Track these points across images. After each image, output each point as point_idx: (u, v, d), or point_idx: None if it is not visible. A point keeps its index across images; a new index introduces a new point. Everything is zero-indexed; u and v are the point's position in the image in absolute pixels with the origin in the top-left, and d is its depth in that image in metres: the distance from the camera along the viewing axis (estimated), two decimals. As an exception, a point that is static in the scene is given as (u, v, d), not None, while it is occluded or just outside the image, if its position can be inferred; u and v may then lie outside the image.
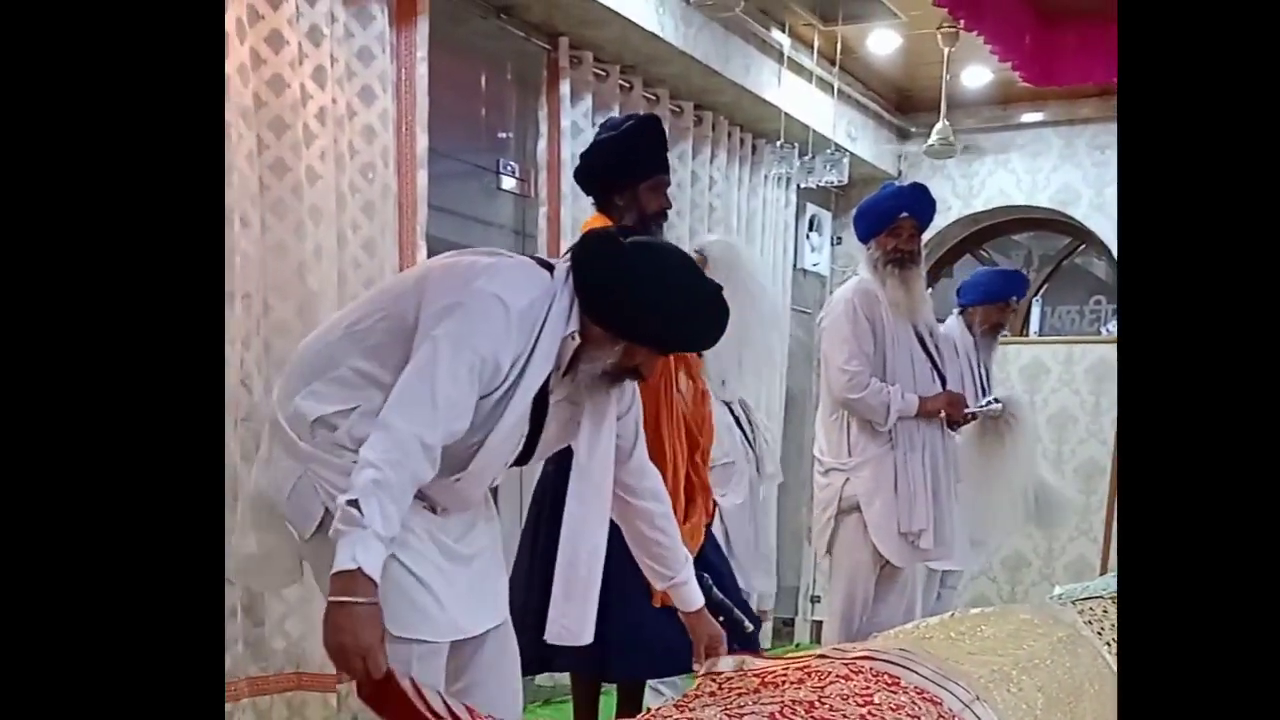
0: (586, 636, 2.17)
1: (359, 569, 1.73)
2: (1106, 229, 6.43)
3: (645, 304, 1.99)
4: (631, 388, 2.21)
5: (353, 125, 3.73)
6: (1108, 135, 6.41)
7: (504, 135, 4.73)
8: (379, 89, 3.78)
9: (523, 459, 2.15)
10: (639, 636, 2.94)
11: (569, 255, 2.08)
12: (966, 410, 4.12)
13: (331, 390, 2.01)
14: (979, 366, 4.58)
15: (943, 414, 3.96)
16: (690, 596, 2.33)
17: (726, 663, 2.24)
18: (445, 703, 1.76)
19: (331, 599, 1.75)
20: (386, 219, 3.81)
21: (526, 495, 3.28)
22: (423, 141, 3.94)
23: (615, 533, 2.48)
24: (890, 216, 3.87)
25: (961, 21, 5.09)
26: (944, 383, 3.97)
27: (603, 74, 4.79)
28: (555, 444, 2.17)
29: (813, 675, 2.06)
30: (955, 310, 4.70)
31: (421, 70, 3.93)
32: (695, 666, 2.30)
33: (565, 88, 4.59)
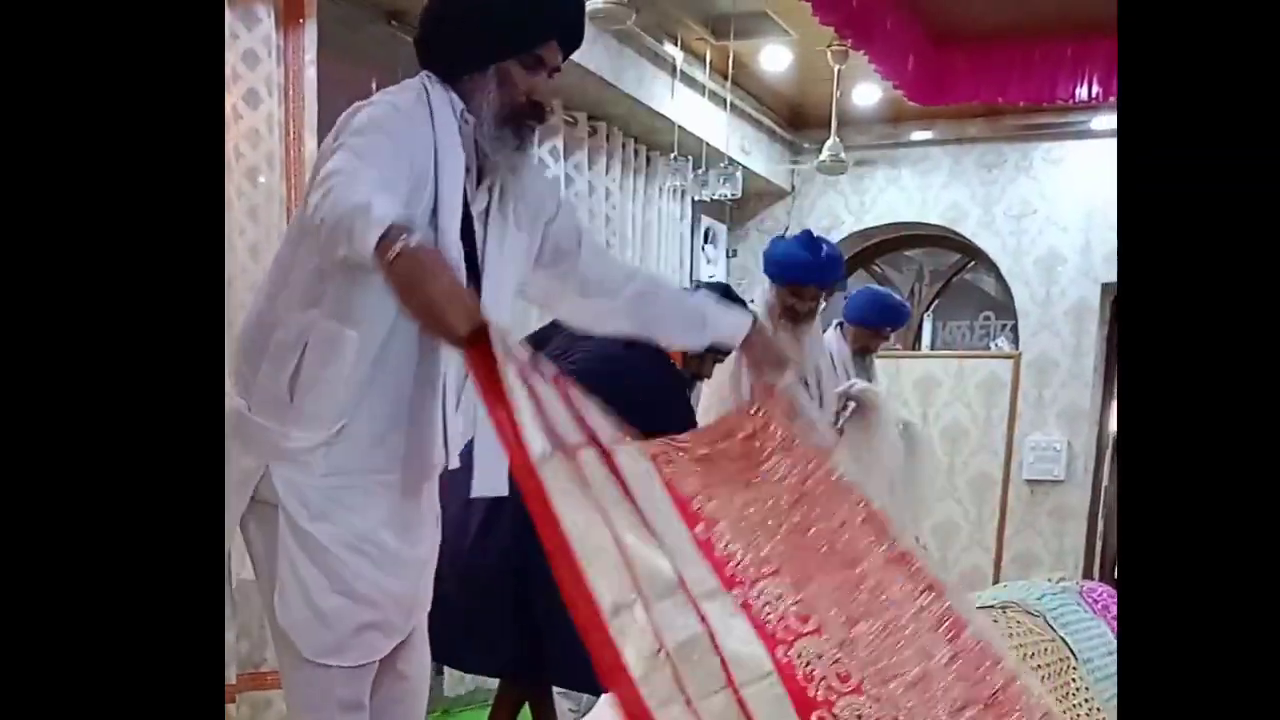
0: (503, 486, 2.03)
1: (392, 224, 1.57)
2: (994, 246, 6.60)
3: (481, 3, 1.94)
4: (557, 196, 2.17)
5: (238, 128, 3.68)
6: (994, 154, 6.59)
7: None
8: (265, 92, 3.74)
9: None
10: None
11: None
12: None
13: (286, 339, 1.92)
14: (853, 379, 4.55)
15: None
16: (734, 327, 2.20)
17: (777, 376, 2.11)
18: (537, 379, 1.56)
19: (388, 259, 1.56)
20: (272, 224, 3.76)
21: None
22: (311, 146, 3.89)
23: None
24: (801, 280, 3.92)
25: (850, 40, 5.20)
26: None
27: (495, 83, 4.78)
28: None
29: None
30: (835, 321, 4.69)
31: (310, 74, 3.89)
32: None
33: (457, 95, 4.57)
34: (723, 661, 1.40)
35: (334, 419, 1.91)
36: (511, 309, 2.11)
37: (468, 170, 1.96)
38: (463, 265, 1.92)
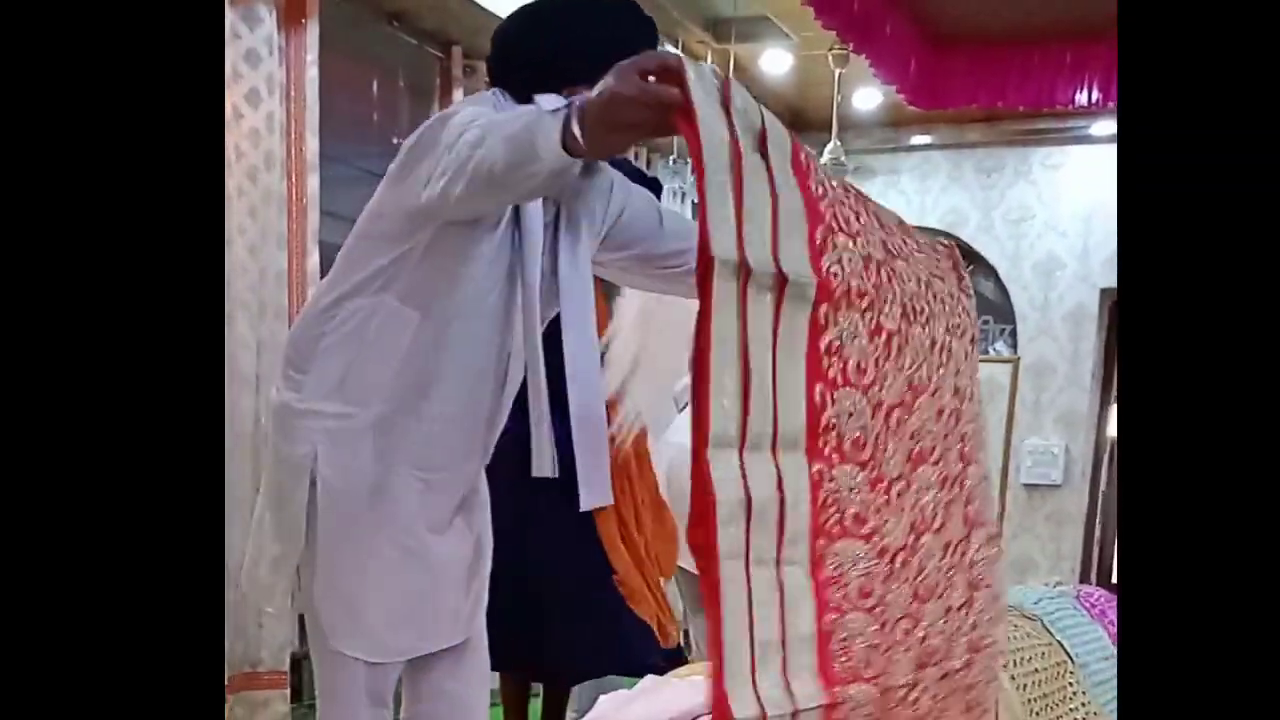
0: (608, 494, 2.04)
1: (570, 102, 1.56)
2: (993, 250, 6.61)
3: (560, 34, 1.95)
4: (624, 192, 2.10)
5: (239, 127, 3.69)
6: (994, 159, 6.60)
7: (397, 141, 4.69)
8: (265, 92, 3.74)
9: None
10: (600, 636, 2.98)
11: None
12: None
13: (352, 318, 1.92)
14: None
15: None
16: None
17: None
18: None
19: (586, 115, 1.53)
20: (269, 222, 3.77)
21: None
22: (313, 145, 3.90)
23: (556, 541, 2.44)
24: None
25: (851, 44, 5.20)
26: None
27: (497, 84, 4.79)
28: (548, 293, 2.00)
29: None
30: None
31: (311, 74, 3.90)
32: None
33: (458, 96, 4.58)
34: (780, 531, 1.33)
35: (384, 397, 1.90)
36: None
37: None
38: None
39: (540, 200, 1.92)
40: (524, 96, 1.94)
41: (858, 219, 1.45)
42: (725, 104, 1.31)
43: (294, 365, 2.00)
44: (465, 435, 2.00)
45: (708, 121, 1.29)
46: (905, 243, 1.60)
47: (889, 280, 1.48)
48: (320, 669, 2.03)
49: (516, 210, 1.91)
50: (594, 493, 2.01)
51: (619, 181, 2.11)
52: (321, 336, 1.95)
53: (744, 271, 1.29)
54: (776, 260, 1.32)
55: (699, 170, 1.27)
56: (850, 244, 1.41)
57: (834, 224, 1.38)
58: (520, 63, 1.97)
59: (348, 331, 1.92)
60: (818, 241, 1.36)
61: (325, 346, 1.95)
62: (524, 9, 2.07)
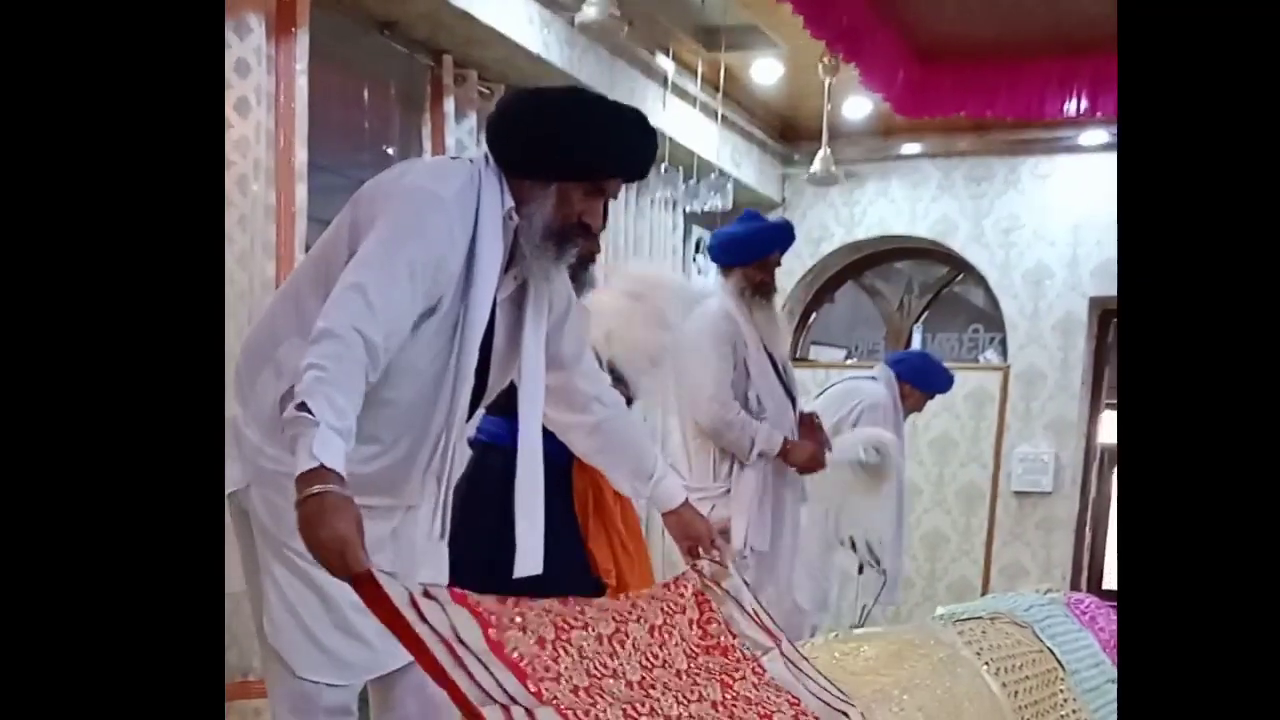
0: (539, 564, 2.06)
1: (320, 464, 1.63)
2: (983, 259, 6.62)
3: (563, 129, 1.94)
4: (569, 294, 2.15)
5: (229, 137, 3.68)
6: (984, 168, 6.62)
7: (388, 150, 4.70)
8: (255, 101, 3.73)
9: (476, 395, 2.05)
10: None
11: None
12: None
13: (287, 359, 1.92)
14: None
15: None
16: (669, 494, 2.24)
17: (705, 566, 2.16)
18: (431, 606, 1.63)
19: (299, 498, 1.64)
20: (255, 231, 3.76)
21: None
22: (301, 155, 3.89)
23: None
24: (762, 251, 3.95)
25: (841, 54, 5.22)
26: (794, 404, 4.04)
27: (487, 92, 4.79)
28: (505, 364, 2.07)
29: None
30: (890, 371, 4.90)
31: (301, 83, 3.88)
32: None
33: (449, 105, 4.59)
34: None
35: None
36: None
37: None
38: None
39: (491, 285, 1.94)
40: (510, 175, 1.96)
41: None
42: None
43: (245, 375, 2.01)
44: (406, 470, 2.01)
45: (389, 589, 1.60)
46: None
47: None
48: (279, 695, 2.02)
49: (466, 290, 1.92)
50: (527, 560, 2.02)
51: (570, 291, 2.17)
52: (268, 361, 1.97)
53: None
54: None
55: (401, 631, 1.59)
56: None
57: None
58: (517, 149, 1.97)
59: (286, 369, 1.92)
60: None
61: (269, 372, 1.96)
62: (533, 92, 2.09)
